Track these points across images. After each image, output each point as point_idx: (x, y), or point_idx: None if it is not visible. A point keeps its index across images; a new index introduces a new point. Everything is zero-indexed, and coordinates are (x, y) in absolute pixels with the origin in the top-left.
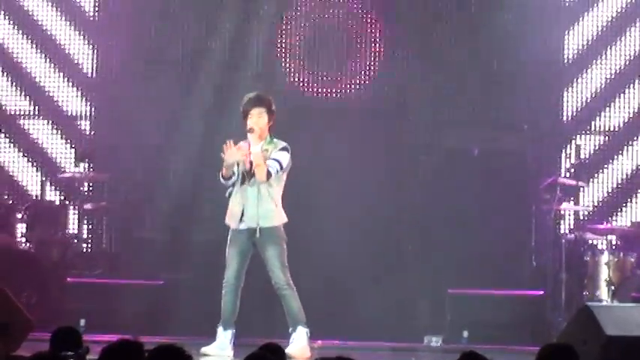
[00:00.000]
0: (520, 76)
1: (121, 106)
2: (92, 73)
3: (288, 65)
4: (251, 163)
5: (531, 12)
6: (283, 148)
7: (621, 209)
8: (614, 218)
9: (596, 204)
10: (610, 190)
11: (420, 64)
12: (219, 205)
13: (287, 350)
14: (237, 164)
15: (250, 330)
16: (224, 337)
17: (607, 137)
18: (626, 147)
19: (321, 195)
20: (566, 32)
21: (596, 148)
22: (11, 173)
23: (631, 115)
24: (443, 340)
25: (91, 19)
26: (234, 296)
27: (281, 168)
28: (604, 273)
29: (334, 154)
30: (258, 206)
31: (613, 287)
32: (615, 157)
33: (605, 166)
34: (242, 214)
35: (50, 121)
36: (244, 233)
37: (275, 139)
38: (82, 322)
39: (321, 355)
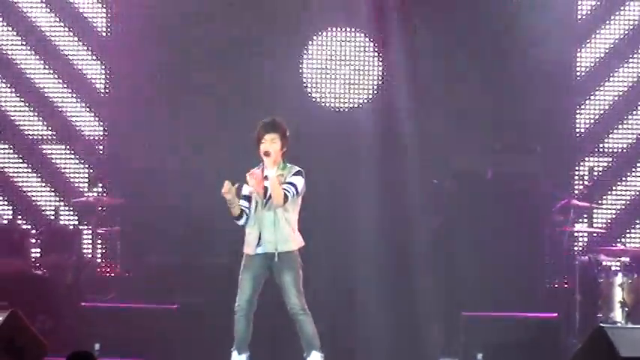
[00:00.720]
0: (532, 97)
1: (134, 129)
2: (105, 93)
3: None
4: (265, 189)
5: (543, 31)
6: (297, 172)
7: (634, 229)
8: (627, 239)
9: (609, 225)
10: (622, 211)
11: (432, 86)
12: (233, 228)
13: None
14: (248, 196)
15: (262, 354)
16: None
17: (618, 157)
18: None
19: (333, 217)
20: (578, 49)
21: (608, 168)
22: (25, 197)
23: None
24: None
25: (104, 39)
26: (247, 320)
27: (297, 192)
28: (618, 294)
29: (345, 177)
30: (275, 231)
31: (627, 309)
32: (627, 176)
33: (617, 185)
34: (259, 240)
35: (63, 145)
36: (260, 258)
37: (288, 164)
38: (97, 346)
39: None
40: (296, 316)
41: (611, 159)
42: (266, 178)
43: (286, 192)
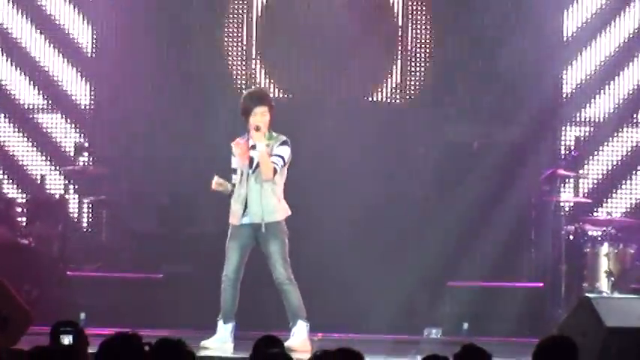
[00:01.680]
0: (518, 68)
1: (121, 100)
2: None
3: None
4: (251, 159)
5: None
6: (284, 142)
7: (620, 200)
8: (613, 209)
9: (595, 195)
10: (608, 181)
11: (419, 59)
12: (218, 198)
13: (287, 344)
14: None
15: (248, 323)
16: (224, 330)
17: (602, 126)
18: (620, 135)
19: (321, 188)
20: (565, 12)
21: (595, 137)
22: (10, 166)
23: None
24: (442, 332)
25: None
26: (233, 290)
27: (284, 163)
28: (604, 264)
29: (333, 147)
30: (261, 202)
31: (613, 279)
32: (613, 145)
33: (604, 155)
34: (244, 210)
35: (50, 114)
36: (247, 228)
37: (274, 133)
38: (82, 315)
39: (322, 347)
40: (281, 286)
41: (596, 128)
42: (252, 148)
43: (275, 166)
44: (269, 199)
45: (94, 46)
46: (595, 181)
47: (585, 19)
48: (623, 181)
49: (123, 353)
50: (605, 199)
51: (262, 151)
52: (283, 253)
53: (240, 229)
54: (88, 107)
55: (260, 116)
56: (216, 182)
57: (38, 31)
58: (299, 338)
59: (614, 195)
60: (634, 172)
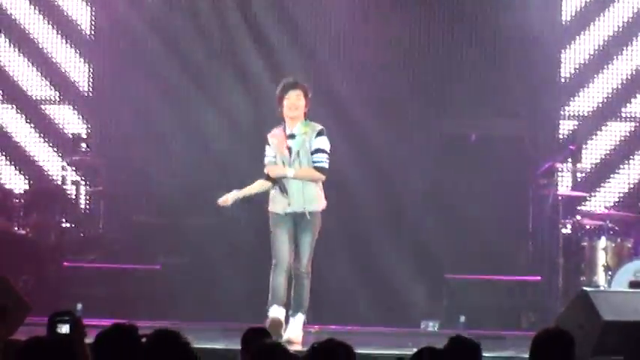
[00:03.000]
0: (517, 60)
1: (120, 91)
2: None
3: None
4: (289, 149)
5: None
6: (321, 132)
7: (619, 195)
8: (610, 203)
9: (593, 188)
10: (607, 175)
11: (418, 52)
12: (216, 190)
13: (287, 335)
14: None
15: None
16: (280, 314)
17: (606, 123)
18: (626, 135)
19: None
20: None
21: (594, 133)
22: (8, 159)
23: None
24: (440, 325)
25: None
26: (287, 275)
27: (328, 156)
28: (601, 258)
29: (332, 140)
30: (303, 190)
31: (610, 272)
32: (614, 143)
33: (603, 151)
34: (288, 199)
35: (48, 106)
36: (290, 216)
37: (311, 122)
38: (79, 306)
39: (318, 339)
40: (299, 277)
41: (597, 124)
42: (289, 137)
43: (322, 164)
44: (311, 187)
45: (93, 32)
46: (590, 174)
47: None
48: (617, 172)
49: (119, 344)
50: (598, 191)
51: (296, 174)
52: (312, 247)
53: (283, 218)
54: (86, 98)
55: (295, 100)
56: (223, 202)
57: (35, 19)
58: (297, 330)
59: (607, 187)
60: (626, 162)
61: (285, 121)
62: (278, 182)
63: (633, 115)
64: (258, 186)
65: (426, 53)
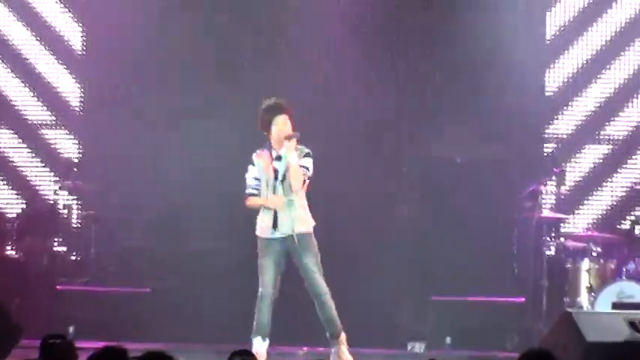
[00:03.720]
0: (502, 87)
1: (109, 117)
2: (79, 86)
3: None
4: (275, 171)
5: (513, 26)
6: (308, 154)
7: (605, 218)
8: (594, 226)
9: (576, 211)
10: (590, 198)
11: (405, 77)
12: (205, 215)
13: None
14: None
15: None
16: (262, 348)
17: (588, 148)
18: (607, 157)
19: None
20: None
21: (578, 157)
22: (2, 184)
23: (622, 127)
24: (426, 346)
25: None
26: (271, 305)
27: (310, 175)
28: (585, 280)
29: (321, 164)
30: (291, 213)
31: (593, 294)
32: (598, 166)
33: (586, 173)
34: (274, 223)
35: (40, 132)
36: (278, 242)
37: (298, 145)
38: (71, 329)
39: None
40: (321, 297)
41: (579, 148)
42: (276, 159)
43: (305, 172)
44: (298, 210)
45: (83, 52)
46: (573, 196)
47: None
48: (600, 194)
49: None
50: (581, 214)
51: (294, 163)
52: (318, 264)
53: (271, 244)
54: (77, 122)
55: (283, 125)
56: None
57: (27, 40)
58: (346, 353)
59: (590, 209)
60: (609, 184)
61: (270, 143)
62: (268, 209)
63: (615, 137)
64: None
65: (412, 78)
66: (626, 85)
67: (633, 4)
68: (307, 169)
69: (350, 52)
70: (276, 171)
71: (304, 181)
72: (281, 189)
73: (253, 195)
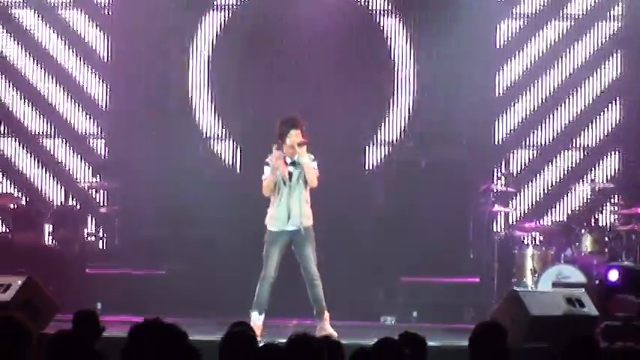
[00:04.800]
0: (461, 99)
1: (130, 126)
2: (105, 98)
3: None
4: (290, 174)
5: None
6: (314, 159)
7: (545, 211)
8: (539, 219)
9: (523, 207)
10: (535, 196)
11: (379, 85)
12: (212, 207)
13: (330, 330)
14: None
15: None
16: (259, 321)
17: (535, 152)
18: (550, 160)
19: None
20: (502, 63)
21: (525, 161)
22: (40, 184)
23: (557, 134)
24: (396, 320)
25: (104, 63)
26: (271, 287)
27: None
28: (529, 263)
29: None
30: (301, 209)
31: (536, 275)
32: (541, 168)
33: (533, 175)
34: (288, 217)
35: (68, 140)
36: (287, 233)
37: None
38: (99, 305)
39: (296, 331)
40: (313, 281)
41: (527, 153)
42: (291, 164)
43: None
44: (306, 206)
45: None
46: (529, 196)
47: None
48: (552, 197)
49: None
50: (532, 211)
51: (308, 163)
52: (315, 254)
53: (280, 235)
54: (103, 134)
55: (294, 137)
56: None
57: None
58: (329, 327)
59: (541, 207)
60: (562, 190)
61: (283, 150)
62: (282, 204)
63: (555, 141)
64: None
65: (382, 85)
66: (562, 89)
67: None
68: (316, 170)
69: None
70: (290, 174)
71: (318, 177)
72: (296, 189)
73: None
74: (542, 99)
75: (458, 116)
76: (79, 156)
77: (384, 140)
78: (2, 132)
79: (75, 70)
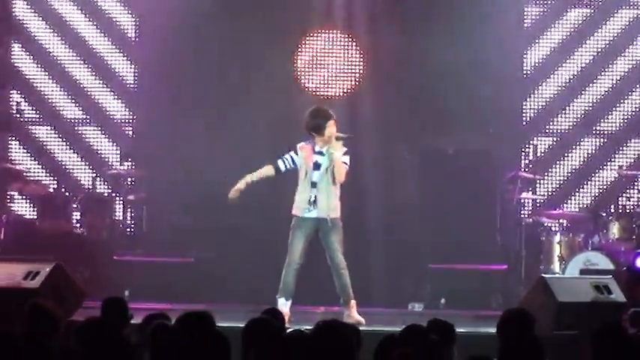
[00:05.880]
0: (488, 86)
1: (157, 114)
2: (134, 84)
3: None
4: (315, 163)
5: (493, 30)
6: (346, 153)
7: (571, 197)
8: (565, 205)
9: (550, 193)
10: (561, 181)
11: (404, 77)
12: (240, 196)
13: (358, 317)
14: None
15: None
16: (286, 307)
17: (557, 138)
18: (576, 146)
19: None
20: (527, 50)
21: (550, 146)
22: (68, 170)
23: (580, 120)
24: (424, 307)
25: (131, 41)
26: (297, 273)
27: (348, 168)
28: (557, 250)
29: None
30: (328, 200)
31: (564, 262)
32: (567, 154)
33: (557, 160)
34: (311, 205)
35: (100, 128)
36: (312, 221)
37: (337, 143)
38: (127, 292)
39: (324, 318)
40: (340, 270)
41: (551, 139)
42: (318, 153)
43: (346, 168)
44: (333, 198)
45: (136, 66)
46: (553, 183)
47: (549, 49)
48: (577, 183)
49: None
50: (560, 198)
51: (339, 158)
52: (341, 244)
53: (305, 221)
54: (131, 122)
55: (332, 128)
56: (235, 191)
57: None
58: (357, 314)
59: (569, 194)
60: (587, 175)
61: (314, 139)
62: (304, 191)
63: (589, 130)
64: (265, 171)
65: (408, 76)
66: (591, 75)
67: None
68: (347, 164)
69: (350, 52)
70: (316, 163)
71: (347, 173)
72: (324, 179)
73: (275, 165)
74: (569, 80)
75: (484, 103)
76: (109, 142)
77: (411, 129)
78: (35, 119)
79: (106, 54)
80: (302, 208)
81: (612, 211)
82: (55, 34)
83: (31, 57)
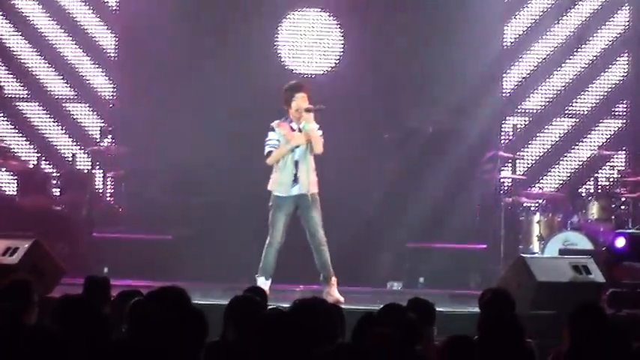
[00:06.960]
0: (466, 65)
1: (138, 89)
2: (115, 58)
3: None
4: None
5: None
6: (319, 129)
7: (549, 175)
8: (543, 184)
9: (528, 172)
10: (540, 160)
11: (385, 57)
12: (217, 173)
13: (337, 296)
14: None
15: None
16: (265, 286)
17: (535, 116)
18: (554, 125)
19: None
20: (505, 25)
21: (528, 125)
22: (47, 146)
23: (560, 98)
24: (403, 285)
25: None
26: (277, 253)
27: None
28: (535, 230)
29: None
30: (308, 175)
31: (543, 242)
32: (545, 132)
33: (535, 140)
34: (293, 183)
35: (80, 103)
36: (293, 199)
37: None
38: (105, 269)
39: (303, 297)
40: (320, 246)
41: (530, 118)
42: (297, 130)
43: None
44: (312, 173)
45: (117, 48)
46: (531, 162)
47: (526, 27)
48: (554, 163)
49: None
50: (538, 177)
51: (314, 129)
52: (321, 220)
53: (287, 200)
54: (111, 98)
55: (301, 100)
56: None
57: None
58: (336, 292)
59: (546, 173)
60: (564, 154)
61: (289, 116)
62: (287, 169)
63: (568, 112)
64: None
65: (391, 60)
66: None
67: None
68: (321, 137)
69: (333, 32)
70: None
71: (322, 144)
72: (303, 155)
73: (269, 154)
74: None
75: (464, 82)
76: (89, 119)
77: (391, 108)
78: (22, 95)
79: (88, 27)
80: (285, 186)
81: (592, 191)
82: (40, 9)
83: (15, 31)
